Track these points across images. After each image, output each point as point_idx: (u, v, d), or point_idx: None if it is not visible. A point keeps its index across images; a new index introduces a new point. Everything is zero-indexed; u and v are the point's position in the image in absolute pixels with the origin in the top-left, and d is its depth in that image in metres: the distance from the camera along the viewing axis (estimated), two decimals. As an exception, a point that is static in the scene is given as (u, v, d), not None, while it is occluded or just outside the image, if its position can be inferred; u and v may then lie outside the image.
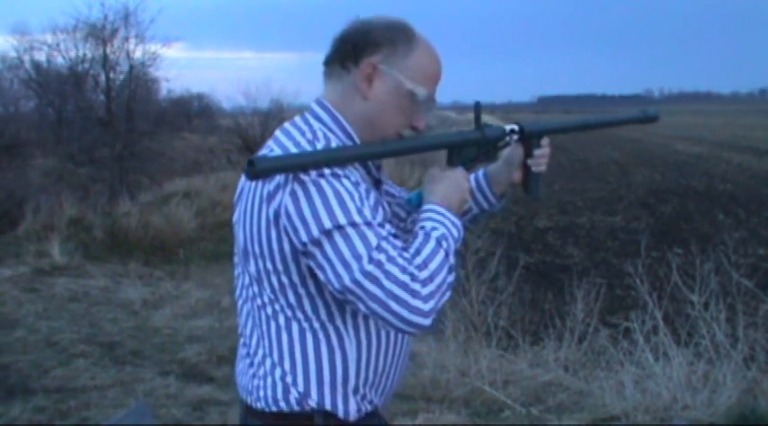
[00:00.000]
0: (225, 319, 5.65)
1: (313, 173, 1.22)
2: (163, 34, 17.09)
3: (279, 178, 1.23)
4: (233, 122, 20.78)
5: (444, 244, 1.26)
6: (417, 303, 1.18)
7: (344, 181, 1.23)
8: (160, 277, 8.16)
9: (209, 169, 17.24)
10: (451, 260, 1.26)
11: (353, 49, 1.32)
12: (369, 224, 1.21)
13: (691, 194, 14.94)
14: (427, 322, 1.20)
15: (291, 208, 1.22)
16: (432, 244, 1.24)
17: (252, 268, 1.32)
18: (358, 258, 1.18)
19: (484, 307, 4.69)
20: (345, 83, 1.33)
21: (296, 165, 1.21)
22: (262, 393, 1.33)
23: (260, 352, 1.34)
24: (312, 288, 1.29)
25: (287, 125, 1.35)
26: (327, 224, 1.19)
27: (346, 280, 1.19)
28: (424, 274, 1.20)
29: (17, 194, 11.86)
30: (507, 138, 1.47)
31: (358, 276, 1.18)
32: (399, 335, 1.38)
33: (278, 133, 1.34)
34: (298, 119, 1.36)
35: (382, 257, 1.19)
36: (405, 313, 1.18)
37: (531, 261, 8.81)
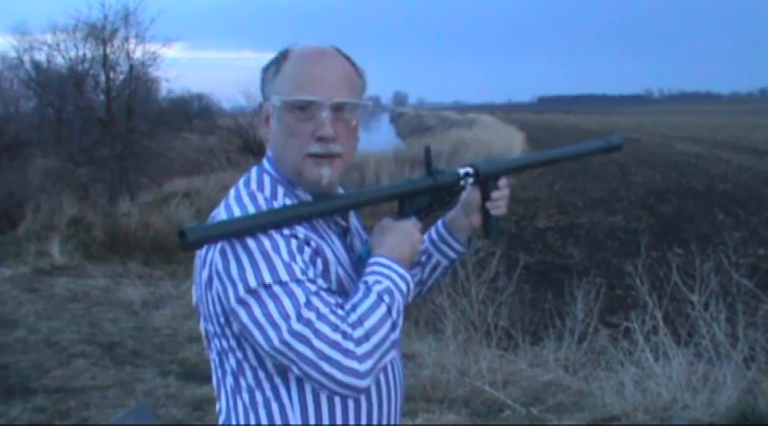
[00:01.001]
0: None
1: None
2: (163, 34, 17.08)
3: None
4: (233, 122, 20.77)
5: (387, 298, 1.16)
6: (351, 363, 1.10)
7: (275, 235, 1.15)
8: (160, 277, 8.16)
9: (209, 169, 17.23)
10: (395, 315, 1.17)
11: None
12: (297, 280, 1.12)
13: (691, 194, 14.93)
14: (363, 383, 1.11)
15: (220, 267, 1.16)
16: (371, 298, 1.16)
17: (201, 327, 1.29)
18: (286, 317, 1.10)
19: (484, 307, 4.68)
20: None
21: (230, 233, 1.15)
22: None
23: (219, 418, 1.29)
24: (249, 353, 1.20)
25: (241, 181, 1.29)
26: (252, 283, 1.12)
27: (275, 342, 1.10)
28: (358, 332, 1.11)
29: (17, 194, 11.87)
30: (462, 183, 1.37)
31: (286, 336, 1.10)
32: (367, 402, 1.26)
33: (231, 191, 1.27)
34: (253, 171, 1.31)
35: (312, 315, 1.10)
36: (338, 374, 1.10)
37: (531, 261, 8.80)
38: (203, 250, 1.20)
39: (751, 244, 9.83)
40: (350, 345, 1.10)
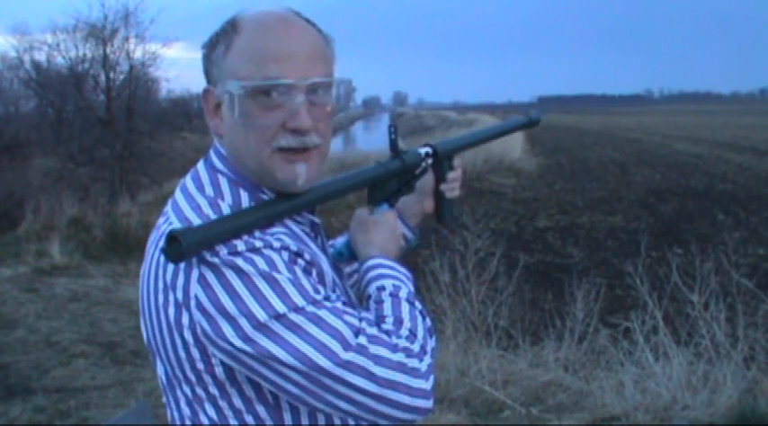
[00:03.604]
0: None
1: (223, 252, 0.91)
2: (163, 34, 17.17)
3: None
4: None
5: (418, 304, 1.05)
6: (419, 383, 0.95)
7: (266, 250, 0.92)
8: (160, 277, 8.16)
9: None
10: (428, 320, 1.04)
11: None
12: (315, 302, 0.92)
13: (691, 194, 14.93)
14: (431, 403, 0.97)
15: (205, 301, 0.90)
16: (406, 306, 1.03)
17: (160, 371, 1.04)
18: (323, 349, 0.90)
19: (484, 307, 4.68)
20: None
21: (232, 230, 0.92)
22: None
23: None
24: (236, 400, 0.97)
25: (191, 184, 1.04)
26: (261, 315, 0.89)
27: (319, 376, 0.90)
28: (416, 346, 0.97)
29: (17, 194, 11.88)
30: (423, 164, 1.29)
31: (335, 370, 0.90)
32: None
33: (180, 197, 1.03)
34: (202, 171, 1.05)
35: (362, 339, 0.92)
36: (407, 399, 0.94)
37: (531, 261, 8.80)
38: (163, 275, 0.95)
39: (751, 243, 9.84)
40: (414, 363, 0.95)
